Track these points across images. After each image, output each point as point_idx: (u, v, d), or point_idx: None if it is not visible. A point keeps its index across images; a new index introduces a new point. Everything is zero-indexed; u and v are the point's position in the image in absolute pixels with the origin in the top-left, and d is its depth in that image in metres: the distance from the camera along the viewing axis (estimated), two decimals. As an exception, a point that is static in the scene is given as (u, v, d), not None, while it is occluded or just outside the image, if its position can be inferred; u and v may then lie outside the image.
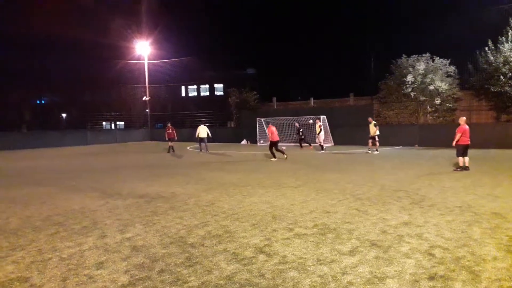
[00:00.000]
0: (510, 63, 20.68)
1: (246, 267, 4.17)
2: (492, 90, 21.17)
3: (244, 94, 32.44)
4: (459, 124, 11.58)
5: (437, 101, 23.38)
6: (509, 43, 20.98)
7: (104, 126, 44.62)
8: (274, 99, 34.46)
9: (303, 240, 5.06)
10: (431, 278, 3.79)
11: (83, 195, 8.77)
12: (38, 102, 58.26)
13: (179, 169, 13.45)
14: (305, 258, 4.41)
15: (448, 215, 6.21)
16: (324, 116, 23.92)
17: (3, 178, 12.30)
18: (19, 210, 7.29)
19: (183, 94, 54.07)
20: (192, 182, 10.23)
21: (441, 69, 23.63)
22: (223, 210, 6.92)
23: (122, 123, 46.63)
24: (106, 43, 45.45)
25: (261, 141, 26.42)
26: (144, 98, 38.15)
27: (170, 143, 21.45)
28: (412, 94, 23.64)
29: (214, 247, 4.88)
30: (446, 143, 15.34)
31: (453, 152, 11.92)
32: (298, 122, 23.26)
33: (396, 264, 4.17)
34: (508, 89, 20.67)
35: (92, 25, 52.95)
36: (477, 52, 22.54)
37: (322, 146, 19.67)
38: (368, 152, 17.98)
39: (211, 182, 10.14)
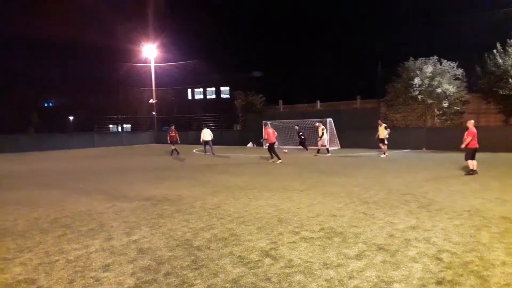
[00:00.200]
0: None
1: (252, 271, 4.16)
2: (501, 93, 20.98)
3: (250, 97, 32.46)
4: (467, 128, 11.45)
5: (445, 104, 23.23)
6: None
7: (111, 128, 44.87)
8: (281, 101, 34.45)
9: (309, 244, 5.03)
10: (439, 283, 3.75)
11: (90, 197, 8.82)
12: (45, 104, 58.97)
13: (185, 172, 13.48)
14: (312, 262, 4.39)
15: (456, 219, 6.14)
16: (331, 119, 23.83)
17: (11, 180, 12.42)
18: (27, 212, 7.35)
19: (190, 97, 54.38)
20: (198, 185, 10.25)
21: (448, 72, 23.49)
22: (229, 213, 6.91)
23: (129, 125, 46.89)
24: (113, 47, 46.00)
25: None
26: (151, 101, 38.35)
27: (172, 146, 21.48)
28: (419, 97, 23.48)
29: (220, 250, 4.87)
30: (454, 147, 15.19)
31: (461, 155, 11.79)
32: (297, 125, 23.17)
33: (404, 268, 4.13)
34: (516, 92, 20.49)
35: (100, 28, 53.58)
36: (486, 55, 22.37)
37: (327, 150, 19.55)
38: (382, 156, 17.65)
39: (217, 185, 10.15)
